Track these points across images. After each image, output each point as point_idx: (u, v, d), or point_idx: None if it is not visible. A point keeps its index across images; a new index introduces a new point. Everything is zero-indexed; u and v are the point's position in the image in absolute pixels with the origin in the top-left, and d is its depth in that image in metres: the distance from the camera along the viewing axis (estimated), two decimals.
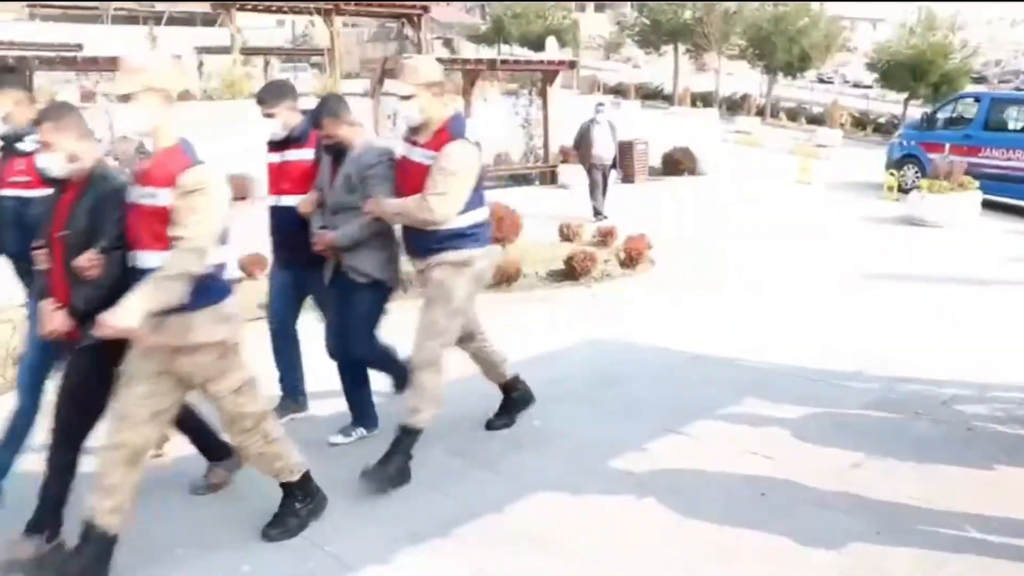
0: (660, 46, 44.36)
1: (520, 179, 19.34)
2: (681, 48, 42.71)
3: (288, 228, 5.15)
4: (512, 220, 10.52)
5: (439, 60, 21.96)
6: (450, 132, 4.53)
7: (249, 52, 37.20)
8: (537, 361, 6.75)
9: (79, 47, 27.16)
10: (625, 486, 4.54)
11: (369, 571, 3.81)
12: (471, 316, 5.03)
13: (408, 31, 34.83)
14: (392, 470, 4.57)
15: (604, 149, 14.08)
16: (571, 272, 9.29)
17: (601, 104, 15.34)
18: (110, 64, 16.93)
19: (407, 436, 4.64)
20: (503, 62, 22.33)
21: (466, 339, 5.12)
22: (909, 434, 5.22)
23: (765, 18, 38.00)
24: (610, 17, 57.47)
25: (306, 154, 5.12)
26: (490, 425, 5.42)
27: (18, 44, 26.09)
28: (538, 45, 42.81)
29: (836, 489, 4.44)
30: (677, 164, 20.38)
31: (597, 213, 13.79)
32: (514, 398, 5.50)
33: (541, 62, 21.99)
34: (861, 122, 34.92)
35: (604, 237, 11.10)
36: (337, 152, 4.90)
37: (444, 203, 4.46)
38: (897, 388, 6.03)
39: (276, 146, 5.24)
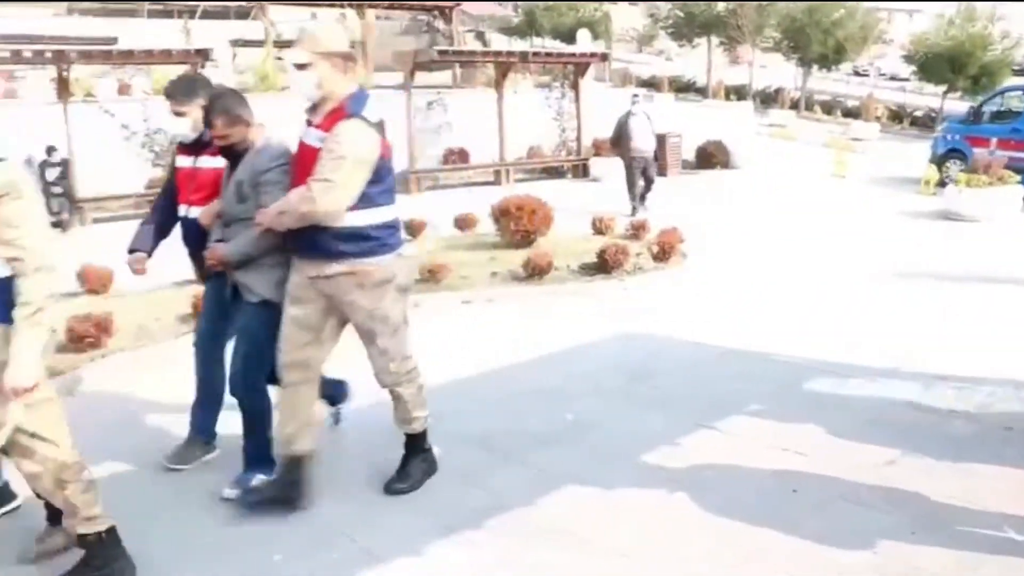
0: (693, 38, 44.08)
1: (552, 172, 19.31)
2: (715, 40, 42.40)
3: (197, 243, 4.63)
4: (544, 213, 10.53)
5: (473, 52, 21.94)
6: (345, 110, 3.98)
7: (283, 45, 37.43)
8: (568, 354, 6.76)
9: (114, 41, 27.46)
10: (656, 481, 4.52)
11: (399, 562, 3.82)
12: (321, 353, 4.33)
13: (440, 24, 34.92)
14: (416, 473, 4.52)
15: (644, 141, 13.85)
16: (603, 265, 9.25)
17: (636, 95, 15.21)
18: (145, 57, 17.13)
19: (413, 440, 4.53)
20: (535, 54, 22.28)
21: (296, 368, 4.26)
22: (945, 432, 5.15)
23: (800, 9, 37.60)
24: (643, 9, 57.15)
25: (220, 162, 4.51)
26: (231, 493, 4.41)
27: (56, 38, 26.40)
28: (570, 38, 42.68)
29: (870, 486, 4.39)
30: (710, 157, 20.27)
31: (634, 210, 13.51)
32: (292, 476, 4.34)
33: (573, 55, 21.90)
34: (898, 115, 34.51)
35: (636, 230, 11.06)
36: (235, 156, 4.36)
37: (329, 192, 3.88)
38: (933, 386, 5.94)
39: (187, 149, 4.76)
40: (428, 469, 4.58)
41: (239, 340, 4.45)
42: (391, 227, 4.18)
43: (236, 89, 4.58)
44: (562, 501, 4.35)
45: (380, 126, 4.05)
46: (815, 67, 38.89)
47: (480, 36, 55.46)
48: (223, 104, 4.29)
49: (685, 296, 8.73)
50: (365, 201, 4.01)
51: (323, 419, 4.80)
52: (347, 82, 4.05)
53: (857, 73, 47.99)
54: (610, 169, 17.86)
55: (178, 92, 4.68)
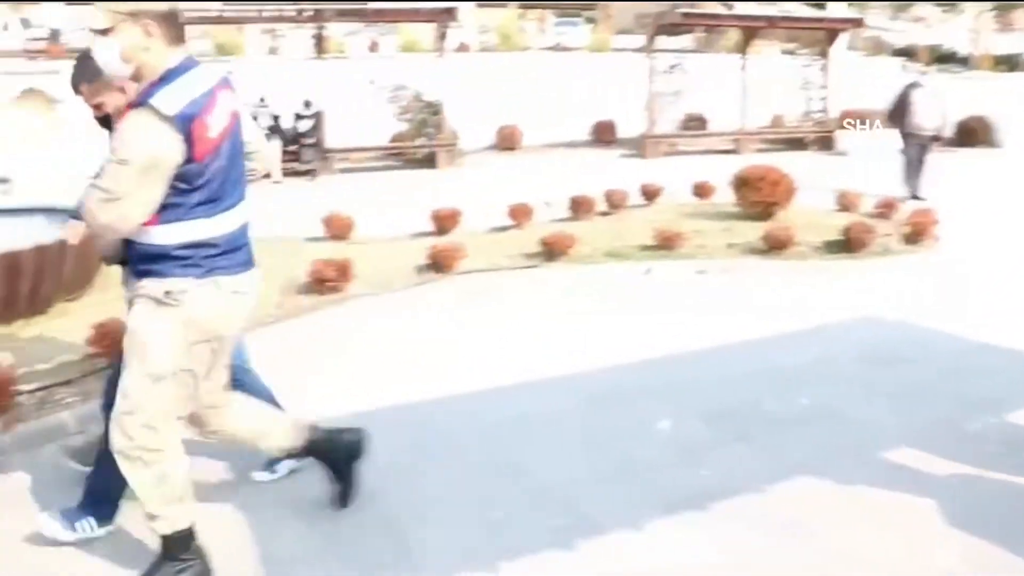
0: (958, 3, 40.85)
1: (794, 143, 18.45)
2: (985, 5, 39.06)
3: None
4: (786, 185, 10.07)
5: (718, 15, 21.32)
6: (142, 95, 3.02)
7: (525, 6, 37.88)
8: (808, 335, 6.40)
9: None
10: (896, 480, 4.16)
11: (619, 535, 3.72)
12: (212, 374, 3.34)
13: None
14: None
15: (926, 118, 12.58)
16: (847, 244, 8.73)
17: (923, 72, 14.10)
18: (394, 16, 17.75)
19: (162, 542, 3.27)
20: (783, 18, 21.31)
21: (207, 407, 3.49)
22: None
23: None
24: None
25: None
26: (341, 501, 3.85)
27: None
28: (820, 2, 40.69)
29: None
30: (973, 134, 18.71)
31: (914, 196, 12.14)
32: (331, 456, 3.79)
33: (824, 20, 20.79)
34: None
35: (885, 209, 10.36)
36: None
37: (108, 206, 2.98)
38: None
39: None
40: None
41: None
42: (202, 245, 3.10)
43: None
44: (793, 490, 4.10)
45: (182, 119, 2.94)
46: None
47: None
48: (87, 69, 3.49)
49: (937, 282, 8.06)
50: (174, 213, 3.05)
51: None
52: (165, 53, 3.06)
53: None
54: (858, 143, 16.93)
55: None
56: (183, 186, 3.02)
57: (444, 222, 9.32)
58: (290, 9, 16.77)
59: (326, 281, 7.05)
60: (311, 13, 16.55)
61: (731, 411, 5.02)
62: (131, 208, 2.97)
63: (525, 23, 39.00)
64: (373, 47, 35.37)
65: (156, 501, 3.18)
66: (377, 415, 4.90)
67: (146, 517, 3.24)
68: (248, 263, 3.27)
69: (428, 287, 7.50)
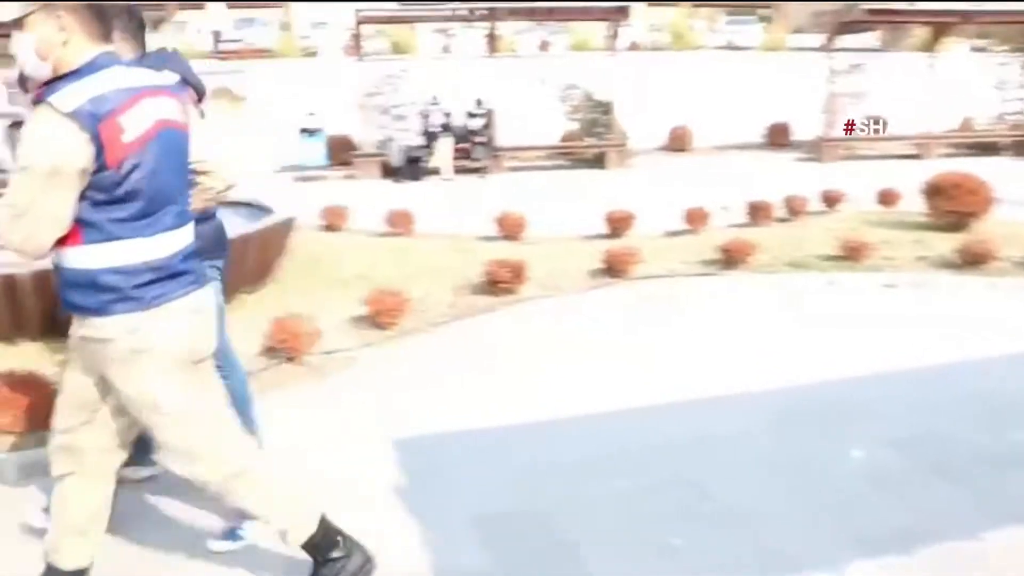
0: None
1: (985, 148, 17.32)
2: None
3: None
4: (984, 194, 9.39)
5: (905, 12, 20.17)
6: (43, 91, 2.68)
7: (698, 4, 37.18)
8: (1012, 360, 5.87)
9: None
10: None
11: (812, 574, 3.46)
12: (99, 440, 3.03)
13: None
14: None
15: None
16: None
17: None
18: (566, 14, 17.70)
19: (307, 551, 3.20)
20: (980, 13, 20.02)
21: (64, 453, 3.07)
22: None
23: None
24: None
25: None
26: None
27: None
28: None
29: None
30: None
31: None
32: None
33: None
34: None
35: None
36: None
37: (15, 223, 2.65)
38: None
39: None
40: None
41: None
42: (140, 273, 2.76)
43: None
44: (1010, 540, 3.69)
45: (88, 117, 2.59)
46: None
47: None
48: None
49: None
50: (97, 231, 2.71)
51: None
52: (84, 50, 2.73)
53: None
54: None
55: None
56: (100, 197, 2.67)
57: (617, 224, 9.15)
58: (463, 8, 16.97)
59: (500, 282, 6.99)
60: (484, 12, 16.69)
61: (928, 440, 4.63)
62: (38, 224, 2.64)
63: (695, 21, 38.36)
64: (544, 46, 35.57)
65: (276, 516, 3.13)
66: (548, 426, 4.82)
67: (278, 536, 3.18)
68: (196, 282, 2.94)
69: (603, 292, 7.33)
